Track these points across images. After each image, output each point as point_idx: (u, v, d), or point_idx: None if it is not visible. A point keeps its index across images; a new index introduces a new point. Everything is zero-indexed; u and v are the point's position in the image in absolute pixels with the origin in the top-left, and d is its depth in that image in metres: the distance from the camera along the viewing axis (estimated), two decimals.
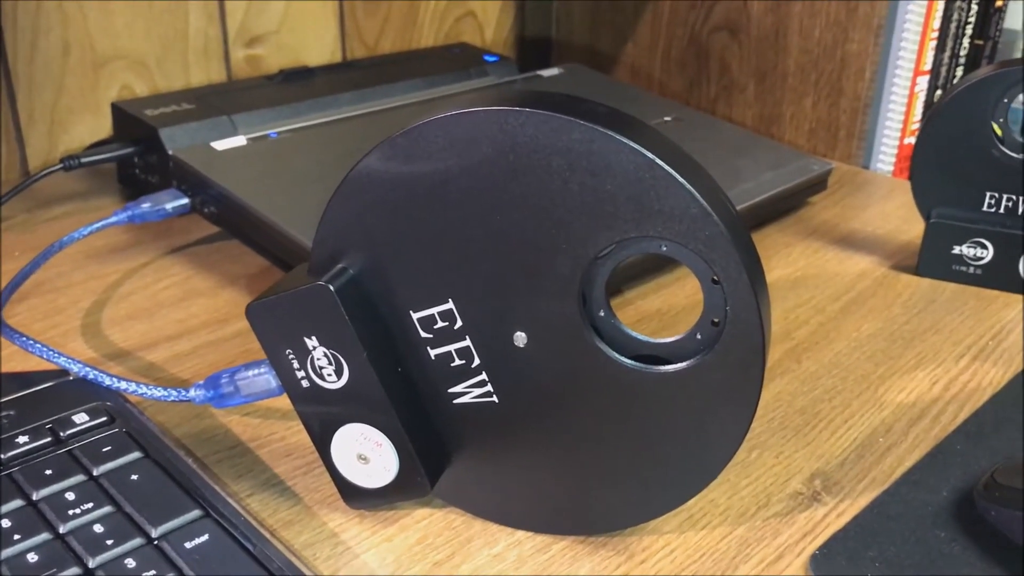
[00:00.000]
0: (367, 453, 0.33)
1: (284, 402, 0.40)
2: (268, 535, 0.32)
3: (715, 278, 0.29)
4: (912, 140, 0.68)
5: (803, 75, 0.69)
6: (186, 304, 0.48)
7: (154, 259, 0.52)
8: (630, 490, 0.32)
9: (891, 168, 0.68)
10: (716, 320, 0.29)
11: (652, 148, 0.28)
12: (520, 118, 0.28)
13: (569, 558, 0.33)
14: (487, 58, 0.70)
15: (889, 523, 0.35)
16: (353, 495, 0.34)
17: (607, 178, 0.28)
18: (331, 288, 0.31)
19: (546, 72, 0.69)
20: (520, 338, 0.31)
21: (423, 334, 0.32)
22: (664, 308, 0.49)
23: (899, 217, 0.60)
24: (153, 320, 0.46)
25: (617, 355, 0.31)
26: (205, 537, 0.30)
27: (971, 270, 0.51)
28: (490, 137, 0.29)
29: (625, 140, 0.28)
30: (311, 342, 0.32)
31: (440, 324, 0.32)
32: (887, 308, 0.49)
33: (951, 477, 0.37)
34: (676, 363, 0.30)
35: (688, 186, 0.28)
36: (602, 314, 0.31)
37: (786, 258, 0.54)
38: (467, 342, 0.32)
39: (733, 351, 0.29)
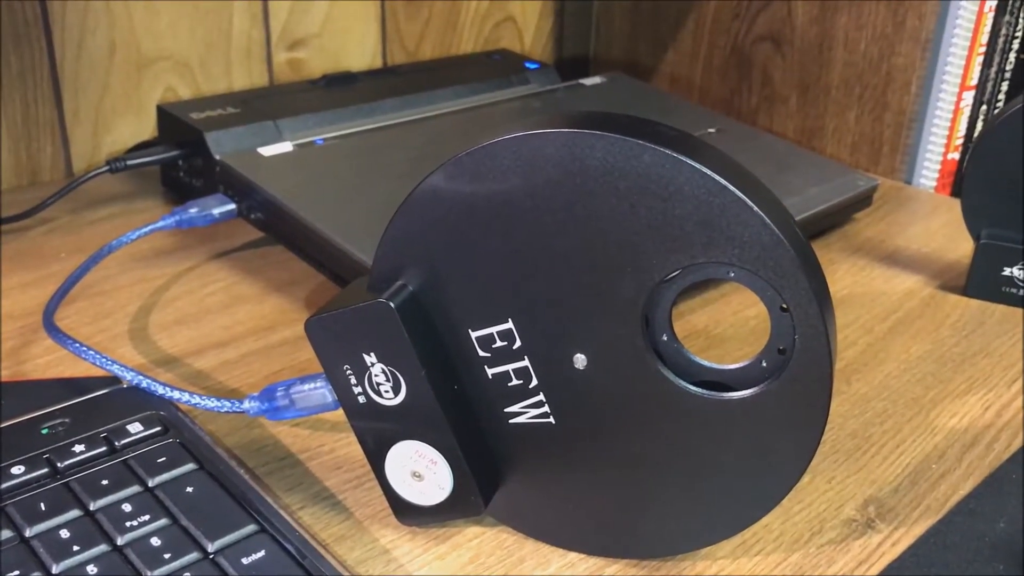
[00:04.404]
0: (421, 470, 0.33)
1: (333, 414, 0.39)
2: (322, 551, 0.31)
3: (784, 306, 0.28)
4: (955, 156, 0.67)
5: (847, 88, 0.69)
6: (232, 310, 0.48)
7: (199, 264, 0.52)
8: (686, 516, 0.32)
9: (934, 184, 0.68)
10: (783, 348, 0.29)
11: (723, 173, 0.28)
12: (589, 141, 0.28)
13: None
14: (528, 65, 0.70)
15: (946, 554, 0.34)
16: (405, 512, 0.34)
17: (677, 202, 0.28)
18: (392, 305, 0.31)
19: (588, 81, 0.69)
20: (580, 360, 0.31)
21: (481, 353, 0.32)
22: (711, 324, 0.48)
23: (944, 235, 0.59)
24: (200, 326, 0.46)
25: (680, 380, 0.30)
26: (262, 553, 0.30)
27: (1022, 292, 0.50)
28: (558, 159, 0.29)
29: (696, 165, 0.28)
30: (370, 358, 0.32)
31: (499, 343, 0.32)
32: (936, 330, 0.49)
33: (1007, 507, 0.36)
34: (740, 390, 0.30)
35: (760, 213, 0.27)
36: (665, 338, 0.30)
37: (832, 275, 0.54)
38: (525, 362, 0.32)
39: (800, 380, 0.29)
